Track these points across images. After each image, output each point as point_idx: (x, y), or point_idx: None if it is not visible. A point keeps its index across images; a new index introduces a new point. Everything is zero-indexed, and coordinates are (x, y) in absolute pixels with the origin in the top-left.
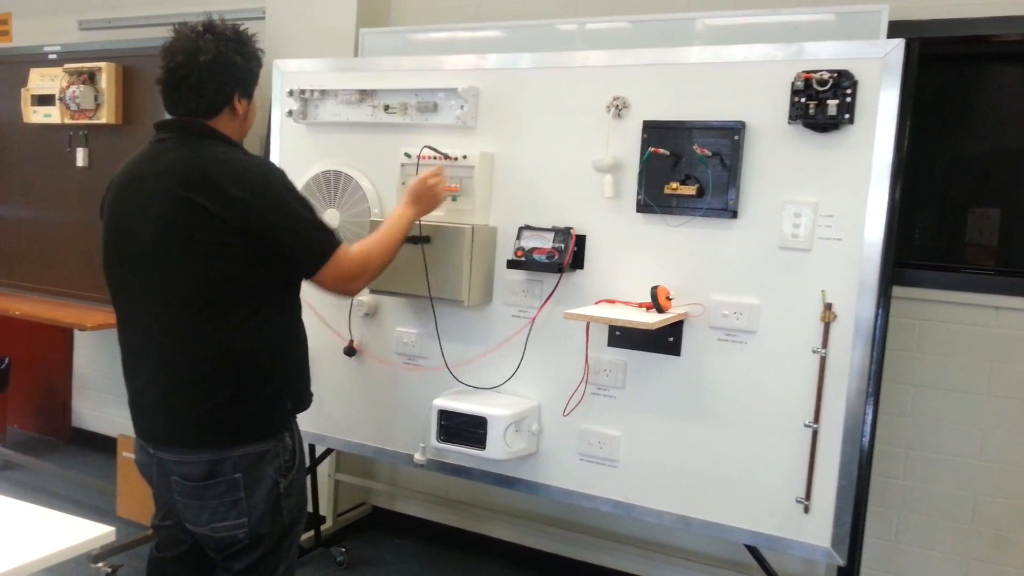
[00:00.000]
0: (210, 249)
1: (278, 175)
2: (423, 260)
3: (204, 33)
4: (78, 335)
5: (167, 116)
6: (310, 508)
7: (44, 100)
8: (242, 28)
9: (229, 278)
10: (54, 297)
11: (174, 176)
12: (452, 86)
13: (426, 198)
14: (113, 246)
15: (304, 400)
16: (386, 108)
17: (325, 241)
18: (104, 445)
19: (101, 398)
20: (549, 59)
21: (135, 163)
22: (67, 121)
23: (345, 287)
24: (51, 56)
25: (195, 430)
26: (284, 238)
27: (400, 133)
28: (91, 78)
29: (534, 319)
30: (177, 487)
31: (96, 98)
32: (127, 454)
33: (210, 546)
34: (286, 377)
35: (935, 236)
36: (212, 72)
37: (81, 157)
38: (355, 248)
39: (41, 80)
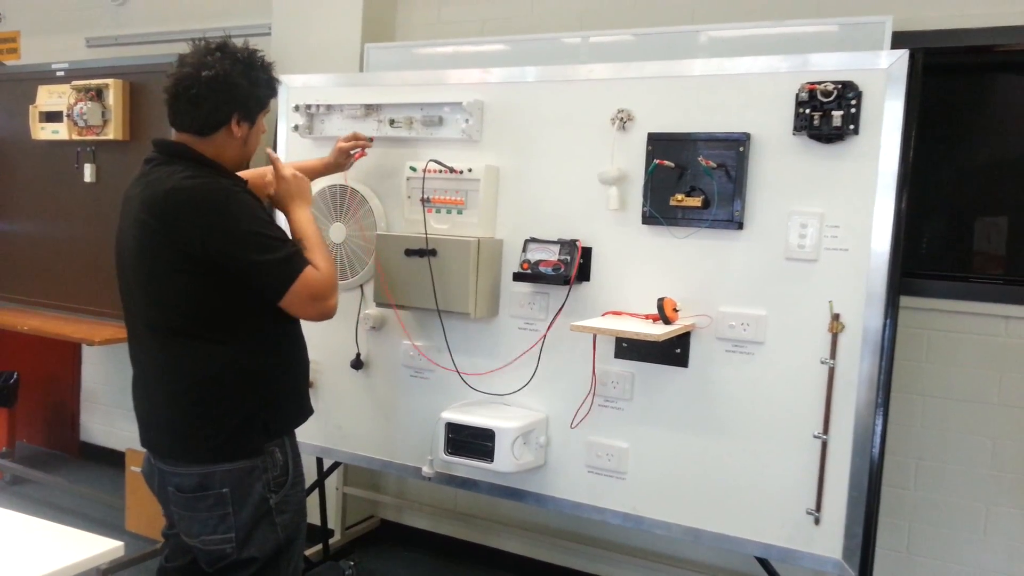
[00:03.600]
0: (175, 274)
1: (242, 199)
2: (430, 273)
3: (216, 51)
4: (86, 350)
5: (172, 130)
6: (318, 521)
7: (52, 117)
8: (259, 53)
9: (196, 302)
10: (62, 312)
11: (143, 200)
12: (457, 100)
13: (304, 190)
14: (116, 263)
15: (288, 421)
16: (391, 122)
17: (289, 262)
18: (113, 459)
19: (109, 412)
20: (554, 72)
21: (131, 183)
22: (75, 137)
23: (320, 307)
24: (59, 73)
25: (182, 444)
26: (243, 264)
27: (405, 147)
28: (98, 95)
29: (545, 334)
30: (173, 498)
31: (103, 114)
32: (135, 468)
33: (201, 558)
34: (263, 399)
35: (942, 246)
36: (212, 89)
37: (89, 173)
38: (319, 264)
39: (49, 97)
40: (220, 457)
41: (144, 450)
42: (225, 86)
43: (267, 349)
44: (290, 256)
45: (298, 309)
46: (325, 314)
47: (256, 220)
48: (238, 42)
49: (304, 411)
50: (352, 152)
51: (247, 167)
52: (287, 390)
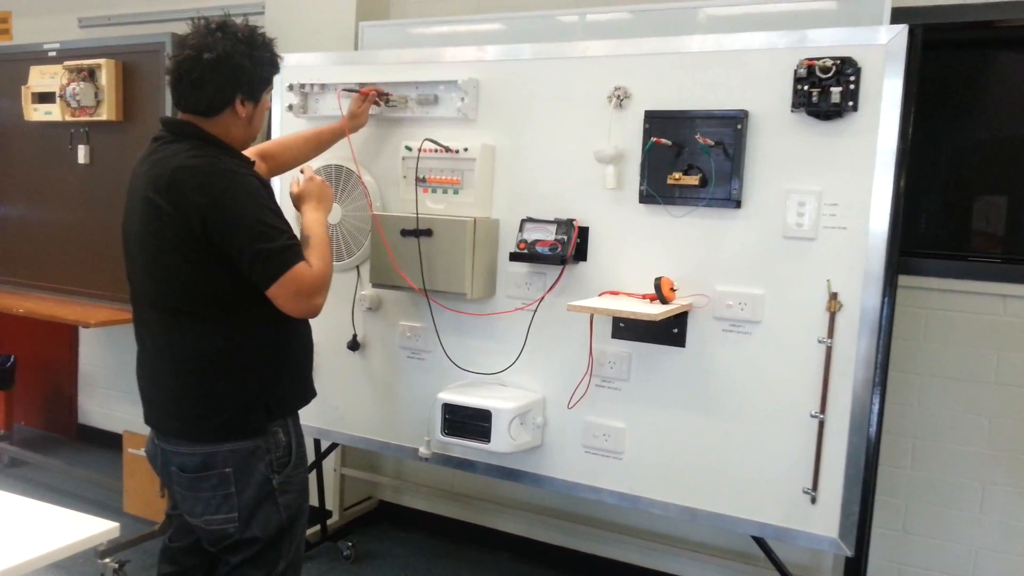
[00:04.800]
0: (179, 254)
1: (245, 182)
2: (418, 253)
3: (216, 31)
4: (83, 332)
5: (174, 109)
6: (317, 503)
7: (45, 97)
8: (259, 31)
9: (199, 282)
10: (58, 295)
11: (150, 179)
12: (452, 78)
13: (327, 194)
14: (123, 242)
15: (291, 403)
16: (387, 101)
17: (282, 254)
18: (110, 442)
19: (107, 395)
20: (550, 50)
21: (138, 161)
22: (68, 118)
23: (305, 304)
24: (51, 53)
25: (185, 424)
26: (238, 248)
27: (401, 126)
28: (91, 75)
29: (535, 305)
30: (175, 477)
31: (96, 95)
32: (133, 450)
33: (204, 538)
34: (265, 380)
35: (941, 224)
36: (214, 71)
37: (82, 154)
38: (313, 262)
39: (41, 78)
40: (222, 437)
41: (148, 429)
42: (227, 68)
43: (271, 330)
44: (285, 247)
45: (283, 302)
46: (308, 312)
47: (258, 206)
48: (238, 20)
49: (308, 393)
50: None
51: (253, 144)
52: (290, 371)
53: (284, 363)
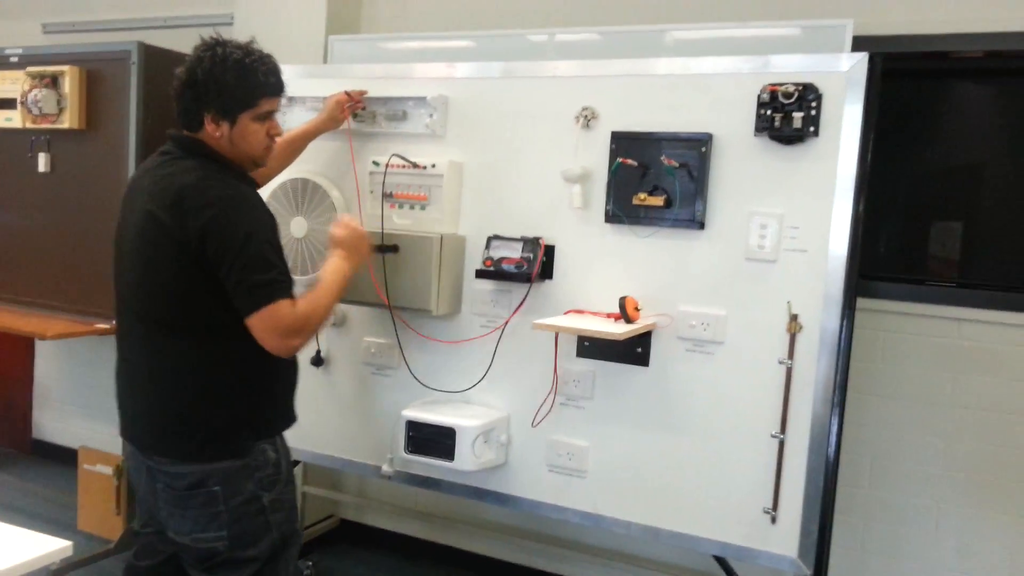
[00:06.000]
0: (173, 269)
1: (253, 211)
2: (383, 270)
3: (203, 48)
4: (39, 344)
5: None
6: None
7: (5, 104)
8: (252, 56)
9: (190, 300)
10: (14, 306)
11: (153, 192)
12: (421, 94)
13: (360, 249)
14: (114, 252)
15: (276, 424)
16: (355, 116)
17: (267, 287)
18: (65, 457)
19: (63, 409)
20: (519, 69)
21: (141, 167)
22: (29, 126)
23: (279, 342)
24: (13, 59)
25: (167, 440)
26: (228, 270)
27: (368, 141)
28: (54, 82)
29: (504, 324)
30: (162, 494)
31: (59, 102)
32: (88, 466)
33: (191, 557)
34: (253, 401)
35: (899, 248)
36: (183, 86)
37: (43, 163)
38: (301, 304)
39: (2, 83)
40: (209, 456)
41: (117, 444)
42: (195, 85)
43: (260, 351)
44: (271, 282)
45: (259, 335)
46: (282, 351)
47: (259, 238)
48: (242, 38)
49: (291, 416)
50: (347, 106)
51: (258, 166)
52: (277, 393)
53: (273, 384)
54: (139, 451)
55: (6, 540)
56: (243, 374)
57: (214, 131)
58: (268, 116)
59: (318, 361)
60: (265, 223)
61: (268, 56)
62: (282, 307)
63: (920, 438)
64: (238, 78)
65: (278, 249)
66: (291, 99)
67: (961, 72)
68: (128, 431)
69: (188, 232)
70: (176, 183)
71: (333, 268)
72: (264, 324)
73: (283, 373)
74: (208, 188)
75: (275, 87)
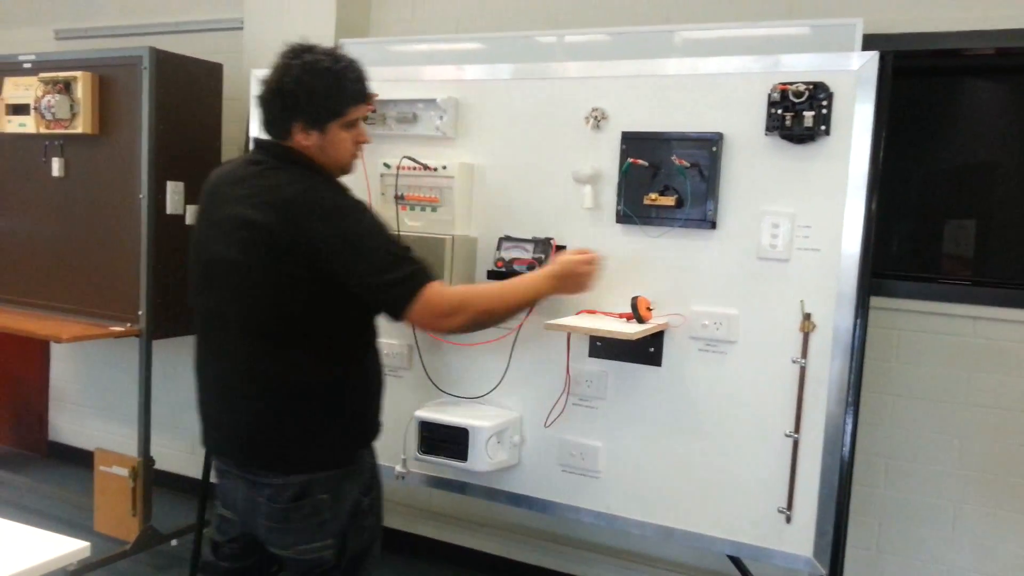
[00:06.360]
0: (290, 283)
1: (369, 214)
2: None
3: (291, 55)
4: (54, 347)
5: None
6: None
7: (19, 109)
8: (340, 63)
9: (307, 312)
10: (29, 309)
11: (256, 203)
12: (431, 97)
13: (572, 281)
14: (195, 258)
15: (373, 431)
16: (365, 118)
17: (409, 281)
18: (81, 459)
19: (78, 411)
20: (528, 70)
21: (226, 176)
22: (42, 131)
23: (435, 323)
24: (26, 65)
25: (280, 454)
26: (362, 279)
27: (379, 144)
28: (67, 87)
29: (519, 328)
30: (264, 507)
31: (72, 107)
32: (105, 468)
33: (296, 569)
34: (356, 409)
35: (912, 247)
36: (272, 94)
37: (57, 167)
38: (455, 287)
39: (16, 89)
40: (320, 465)
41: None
42: (284, 94)
43: (365, 359)
44: (410, 274)
45: (421, 325)
46: (445, 331)
47: (383, 237)
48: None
49: (381, 423)
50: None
51: (344, 172)
52: (375, 399)
53: (372, 391)
54: (237, 466)
55: (24, 541)
56: (352, 385)
57: (304, 140)
58: (355, 124)
59: None
60: (382, 223)
61: (355, 62)
62: (431, 290)
63: (936, 437)
64: (327, 87)
65: (398, 238)
66: None
67: (972, 70)
68: (224, 447)
69: (308, 245)
70: (285, 194)
71: (532, 280)
72: (421, 313)
73: (379, 381)
74: (322, 199)
75: (363, 94)
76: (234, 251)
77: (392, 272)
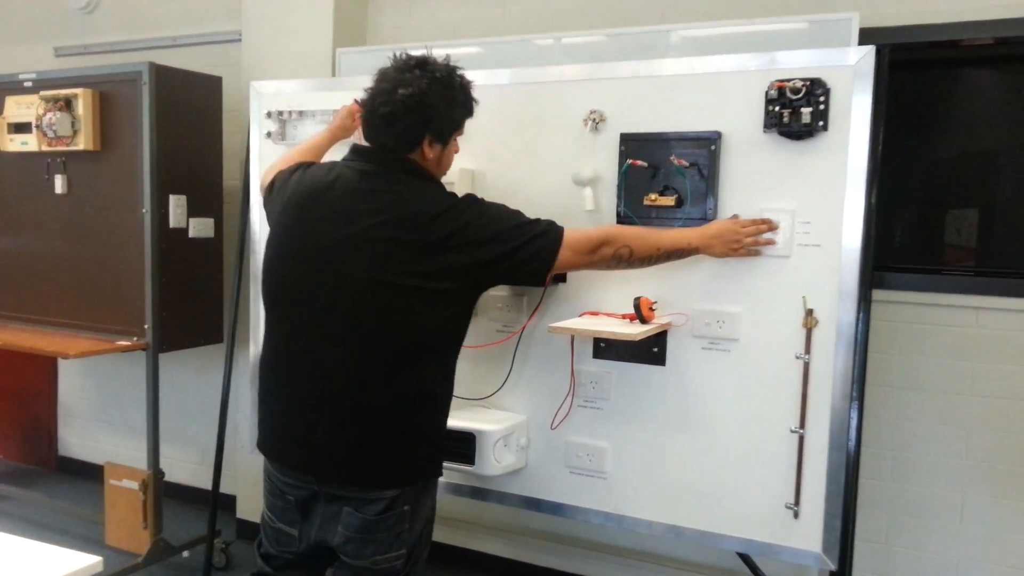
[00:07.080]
0: (411, 295)
1: (487, 206)
2: None
3: (415, 67)
4: (62, 363)
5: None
6: None
7: (21, 128)
8: (458, 72)
9: (424, 325)
10: (37, 325)
11: (386, 222)
12: None
13: (726, 243)
14: (284, 271)
15: (445, 444)
16: None
17: (543, 237)
18: (91, 473)
19: (87, 426)
20: (526, 74)
21: (323, 182)
22: (44, 148)
23: (587, 260)
24: (27, 83)
25: (380, 470)
26: (507, 261)
27: None
28: (68, 105)
29: (522, 329)
30: (347, 519)
31: (73, 124)
32: (115, 482)
33: None
34: (442, 423)
35: (914, 239)
36: (407, 108)
37: (60, 184)
38: (608, 226)
39: (17, 108)
40: (412, 479)
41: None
42: (420, 107)
43: (446, 373)
44: (546, 230)
45: (570, 264)
46: (594, 263)
47: (504, 215)
48: (439, 57)
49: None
50: (358, 115)
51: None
52: (448, 412)
53: (448, 403)
54: (320, 481)
55: (37, 558)
56: (445, 398)
57: (429, 152)
58: (459, 135)
59: None
60: (491, 202)
61: (465, 74)
62: (570, 234)
63: (941, 429)
64: (459, 101)
65: (516, 209)
66: (301, 113)
67: (971, 60)
68: (310, 463)
69: (461, 261)
70: (427, 210)
71: (682, 231)
72: (569, 256)
73: (452, 391)
74: (453, 206)
75: (473, 107)
76: (369, 270)
77: (534, 241)
